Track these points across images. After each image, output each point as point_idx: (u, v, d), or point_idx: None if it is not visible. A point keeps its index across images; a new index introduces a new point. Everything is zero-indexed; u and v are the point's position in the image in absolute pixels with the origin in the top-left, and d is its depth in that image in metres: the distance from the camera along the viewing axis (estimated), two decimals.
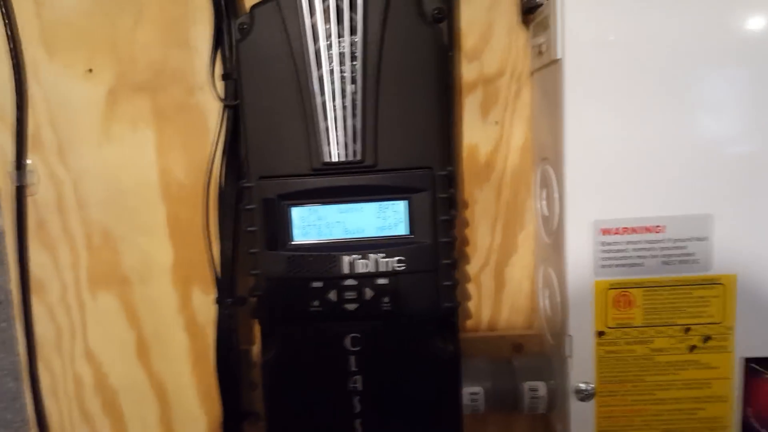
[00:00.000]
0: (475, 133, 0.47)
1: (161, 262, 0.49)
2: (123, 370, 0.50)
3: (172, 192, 0.48)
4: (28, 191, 0.48)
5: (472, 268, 0.49)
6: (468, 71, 0.47)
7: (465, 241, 0.48)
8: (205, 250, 0.47)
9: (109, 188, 0.48)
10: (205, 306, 0.49)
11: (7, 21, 0.47)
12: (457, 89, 0.47)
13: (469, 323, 0.49)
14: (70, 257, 0.49)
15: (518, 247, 0.48)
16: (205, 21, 0.46)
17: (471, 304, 0.49)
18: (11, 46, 0.47)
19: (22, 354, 0.49)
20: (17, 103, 0.47)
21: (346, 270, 0.40)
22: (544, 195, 0.45)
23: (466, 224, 0.48)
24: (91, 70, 0.47)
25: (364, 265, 0.40)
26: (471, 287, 0.49)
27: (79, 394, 0.50)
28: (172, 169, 0.48)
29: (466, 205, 0.48)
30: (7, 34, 0.47)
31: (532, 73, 0.46)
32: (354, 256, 0.40)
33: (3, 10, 0.47)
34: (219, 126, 0.45)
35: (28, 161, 0.48)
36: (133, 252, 0.49)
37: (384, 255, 0.40)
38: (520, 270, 0.49)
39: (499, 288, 0.49)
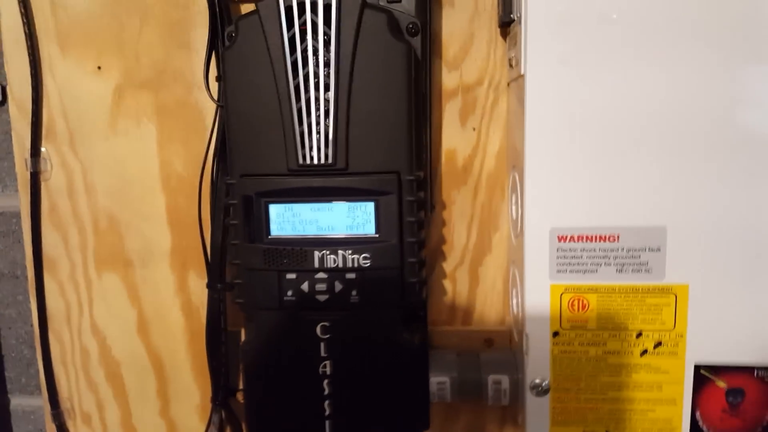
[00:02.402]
0: (454, 138, 0.49)
1: (161, 246, 0.53)
2: (125, 345, 0.54)
3: (172, 183, 0.52)
4: (42, 177, 0.53)
5: (448, 266, 0.51)
6: (449, 79, 0.49)
7: (442, 240, 0.51)
8: (199, 239, 0.51)
9: (114, 177, 0.52)
10: (200, 289, 0.53)
11: (25, 20, 0.51)
12: (437, 96, 0.49)
13: (444, 317, 0.52)
14: (78, 239, 0.53)
15: (493, 248, 0.51)
16: (205, 25, 0.49)
17: (446, 299, 0.52)
18: (29, 42, 0.51)
19: (35, 325, 0.54)
20: (33, 96, 0.52)
21: (317, 264, 0.43)
22: (513, 200, 0.47)
23: (443, 224, 0.51)
24: (100, 68, 0.51)
25: (333, 260, 0.43)
26: (447, 283, 0.51)
27: (85, 365, 0.55)
28: (172, 162, 0.52)
29: (443, 206, 0.50)
30: (25, 31, 0.51)
31: (508, 84, 0.48)
32: (325, 251, 0.43)
33: (22, 9, 0.51)
34: (213, 124, 0.49)
35: (43, 149, 0.53)
36: (135, 236, 0.53)
37: (351, 252, 0.43)
38: (494, 269, 0.51)
39: (473, 285, 0.51)
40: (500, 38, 0.48)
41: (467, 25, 0.48)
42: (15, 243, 0.57)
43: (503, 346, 0.51)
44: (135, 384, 0.55)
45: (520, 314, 0.45)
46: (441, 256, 0.51)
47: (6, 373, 0.59)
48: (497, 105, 0.49)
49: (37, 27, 0.51)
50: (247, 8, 0.49)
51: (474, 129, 0.49)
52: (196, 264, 0.52)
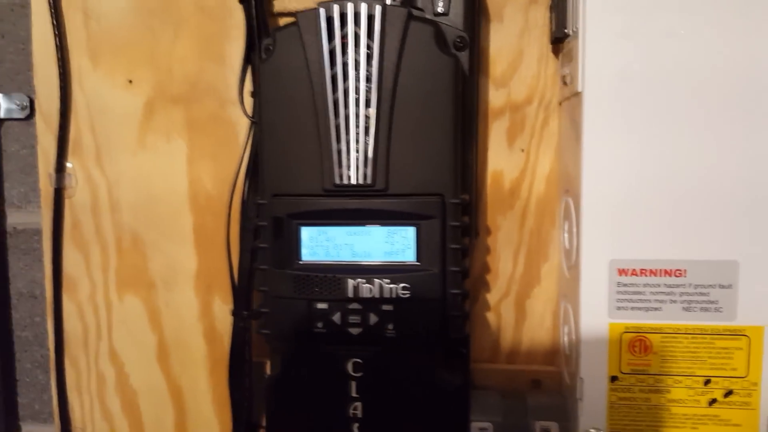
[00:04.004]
0: (501, 160, 0.46)
1: (185, 269, 0.50)
2: (143, 372, 0.51)
3: (200, 202, 0.49)
4: (66, 193, 0.51)
5: (492, 297, 0.47)
6: (495, 97, 0.46)
7: (486, 269, 0.47)
8: (226, 262, 0.48)
9: (141, 195, 0.50)
10: (225, 315, 0.50)
11: (57, 31, 0.49)
12: (483, 115, 0.46)
13: (487, 354, 0.48)
14: (100, 258, 0.51)
15: (541, 279, 0.47)
16: (240, 38, 0.47)
17: (489, 334, 0.48)
18: (59, 54, 0.49)
19: (51, 349, 0.51)
20: (61, 109, 0.50)
21: (350, 293, 0.40)
22: (566, 227, 0.43)
23: (487, 251, 0.47)
24: (131, 81, 0.49)
25: (368, 289, 0.39)
26: (490, 316, 0.48)
27: (101, 392, 0.52)
28: (202, 180, 0.49)
29: (488, 232, 0.47)
30: (56, 43, 0.49)
31: (560, 103, 0.45)
32: (359, 279, 0.40)
33: (54, 20, 0.49)
34: (246, 141, 0.46)
35: (68, 164, 0.50)
36: (159, 257, 0.50)
37: (389, 281, 0.39)
38: (543, 303, 0.47)
39: (519, 320, 0.47)
40: (551, 55, 0.45)
41: (516, 41, 0.45)
42: (35, 261, 0.54)
43: (552, 388, 0.46)
44: (152, 414, 0.52)
45: (574, 355, 0.41)
46: (484, 286, 0.47)
47: (18, 399, 0.56)
48: (547, 125, 0.46)
49: (68, 38, 0.50)
50: (284, 22, 0.47)
51: (522, 150, 0.46)
52: (222, 289, 0.49)
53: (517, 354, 0.48)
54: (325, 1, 0.39)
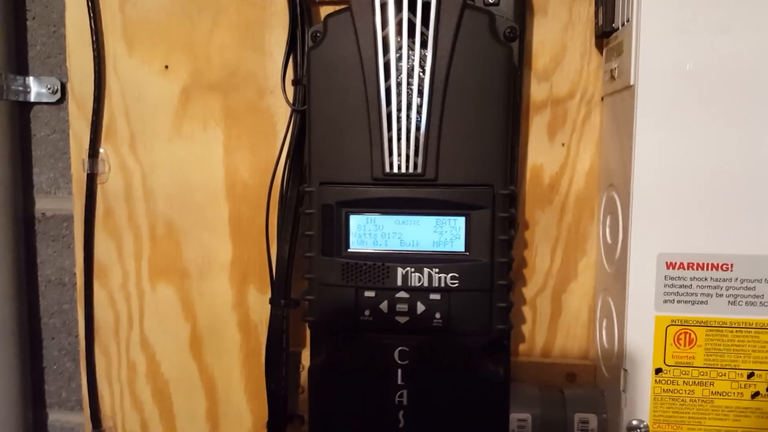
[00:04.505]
0: (541, 154, 0.46)
1: (220, 258, 0.50)
2: (175, 361, 0.51)
3: (237, 191, 0.49)
4: (99, 179, 0.50)
5: (528, 291, 0.47)
6: (537, 91, 0.46)
7: (523, 263, 0.47)
8: (264, 251, 0.47)
9: (175, 183, 0.49)
10: (259, 304, 0.50)
11: (92, 14, 0.49)
12: (524, 108, 0.46)
13: (522, 347, 0.48)
14: (133, 246, 0.50)
15: (578, 274, 0.47)
16: (281, 26, 0.47)
17: (525, 328, 0.48)
18: (94, 38, 0.49)
19: (81, 337, 0.51)
20: (95, 94, 0.49)
21: (399, 282, 0.40)
22: (608, 222, 0.44)
23: (525, 245, 0.47)
24: (167, 67, 0.49)
25: (417, 278, 0.39)
26: (526, 310, 0.48)
27: (131, 381, 0.52)
28: (238, 169, 0.49)
29: (526, 226, 0.47)
30: (91, 26, 0.49)
31: (603, 98, 0.45)
32: (408, 268, 0.40)
33: (89, 3, 0.48)
34: (286, 130, 0.46)
35: (101, 150, 0.50)
36: (194, 246, 0.50)
37: (438, 270, 0.39)
38: (579, 298, 0.47)
39: (555, 314, 0.47)
40: (595, 50, 0.45)
41: (560, 35, 0.46)
42: (64, 248, 0.54)
43: (586, 381, 0.47)
44: (183, 404, 0.51)
45: (616, 348, 0.41)
46: (521, 280, 0.47)
47: (45, 387, 0.55)
48: (589, 120, 0.46)
49: (102, 23, 0.49)
50: (325, 11, 0.47)
51: (563, 144, 0.46)
52: (257, 278, 0.49)
53: (552, 347, 0.48)
54: None
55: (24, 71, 0.53)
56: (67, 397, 0.55)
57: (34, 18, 0.53)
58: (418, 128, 0.39)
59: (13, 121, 0.52)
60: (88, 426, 0.52)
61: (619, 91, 0.41)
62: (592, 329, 0.47)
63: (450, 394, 0.41)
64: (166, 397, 0.51)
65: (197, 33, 0.48)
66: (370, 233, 0.40)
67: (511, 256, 0.41)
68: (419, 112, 0.39)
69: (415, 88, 0.39)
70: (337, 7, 0.46)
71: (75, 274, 0.53)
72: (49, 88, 0.53)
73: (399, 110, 0.39)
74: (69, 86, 0.50)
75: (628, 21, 0.39)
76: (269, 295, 0.47)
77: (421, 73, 0.39)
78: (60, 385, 0.55)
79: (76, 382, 0.55)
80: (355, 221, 0.40)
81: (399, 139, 0.39)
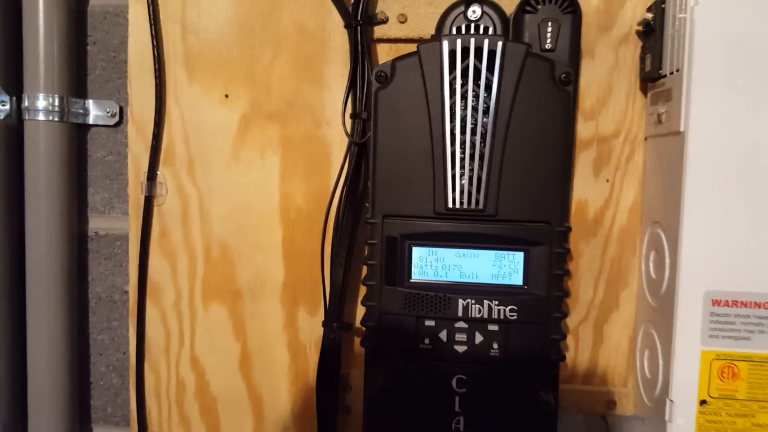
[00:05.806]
0: (586, 189, 0.48)
1: (273, 280, 0.51)
2: (224, 380, 0.52)
3: (291, 216, 0.51)
4: (156, 201, 0.52)
5: (571, 321, 0.49)
6: (583, 129, 0.48)
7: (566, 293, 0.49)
8: (314, 274, 0.49)
9: (232, 206, 0.51)
10: (309, 327, 0.51)
11: (155, 43, 0.50)
12: None
13: (564, 375, 0.50)
14: (187, 267, 0.52)
15: (620, 305, 0.49)
16: (338, 61, 0.49)
17: (567, 356, 0.50)
18: (156, 66, 0.51)
19: (132, 354, 0.52)
20: (156, 119, 0.51)
21: (459, 313, 0.42)
22: (651, 257, 0.46)
23: (569, 276, 0.49)
24: (227, 96, 0.51)
25: (477, 309, 0.41)
26: (569, 339, 0.50)
27: (180, 398, 0.53)
28: (293, 195, 0.51)
29: (571, 258, 0.49)
30: (153, 54, 0.50)
31: (646, 138, 0.47)
32: (469, 300, 0.42)
33: (153, 32, 0.50)
34: (344, 161, 0.48)
35: (159, 173, 0.52)
36: (247, 268, 0.51)
37: (498, 302, 0.41)
38: (620, 328, 0.49)
39: (597, 343, 0.49)
40: (639, 92, 0.48)
41: (606, 77, 0.48)
42: (116, 267, 0.55)
43: (626, 409, 0.49)
44: (231, 422, 0.53)
45: (660, 378, 0.43)
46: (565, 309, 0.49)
47: (92, 402, 0.57)
48: (632, 158, 0.48)
49: (165, 51, 0.51)
50: (382, 47, 0.49)
51: (608, 181, 0.48)
52: (308, 300, 0.51)
53: (593, 376, 0.50)
54: (448, 35, 0.41)
55: (83, 94, 0.55)
56: (112, 413, 0.57)
57: (94, 43, 0.55)
58: (480, 167, 0.41)
59: (71, 143, 0.54)
60: None
61: (666, 135, 0.43)
62: (632, 359, 0.49)
63: (504, 421, 0.43)
64: (213, 415, 0.53)
65: (258, 64, 0.50)
66: (431, 265, 0.42)
67: (565, 290, 0.43)
68: (482, 152, 0.41)
69: (478, 128, 0.41)
70: (392, 45, 0.48)
71: (125, 291, 0.55)
72: (107, 112, 0.54)
73: (462, 149, 0.41)
74: (129, 110, 0.52)
75: (677, 70, 0.41)
76: (319, 317, 0.49)
77: (484, 116, 0.41)
78: (106, 401, 0.57)
79: (122, 398, 0.56)
80: (418, 253, 0.42)
81: (462, 177, 0.41)
